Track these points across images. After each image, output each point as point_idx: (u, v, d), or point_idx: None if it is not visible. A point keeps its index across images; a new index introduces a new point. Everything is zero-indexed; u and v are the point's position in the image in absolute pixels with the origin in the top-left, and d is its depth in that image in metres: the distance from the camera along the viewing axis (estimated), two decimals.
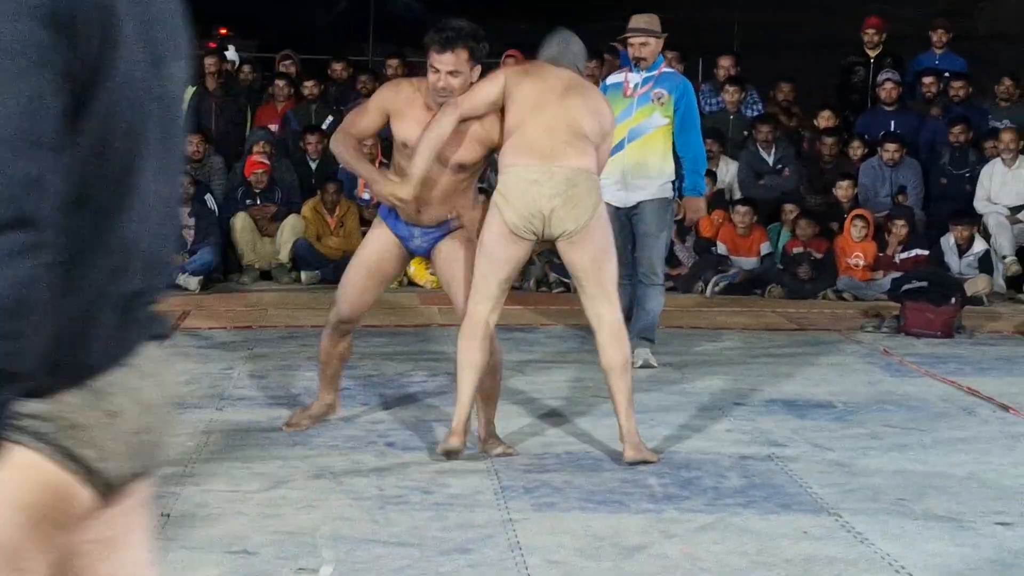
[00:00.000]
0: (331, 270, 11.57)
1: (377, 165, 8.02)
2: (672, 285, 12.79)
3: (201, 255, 12.69)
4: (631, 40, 8.95)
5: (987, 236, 13.20)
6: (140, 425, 2.08)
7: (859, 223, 12.92)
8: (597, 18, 17.75)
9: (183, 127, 2.26)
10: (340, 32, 23.66)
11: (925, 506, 5.73)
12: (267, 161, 13.37)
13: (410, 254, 6.61)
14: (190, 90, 14.47)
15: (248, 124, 14.65)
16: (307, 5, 23.96)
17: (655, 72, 8.92)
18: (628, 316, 8.15)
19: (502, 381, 6.75)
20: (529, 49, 17.27)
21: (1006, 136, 13.39)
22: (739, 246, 13.25)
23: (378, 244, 6.53)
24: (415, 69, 11.82)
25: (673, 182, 8.92)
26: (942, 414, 7.63)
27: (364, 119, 6.45)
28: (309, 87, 14.61)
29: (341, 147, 6.44)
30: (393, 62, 14.65)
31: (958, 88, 14.38)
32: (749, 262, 13.18)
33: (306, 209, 13.41)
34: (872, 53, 15.04)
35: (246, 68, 15.68)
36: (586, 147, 6.42)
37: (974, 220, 13.18)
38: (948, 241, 13.01)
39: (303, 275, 13.20)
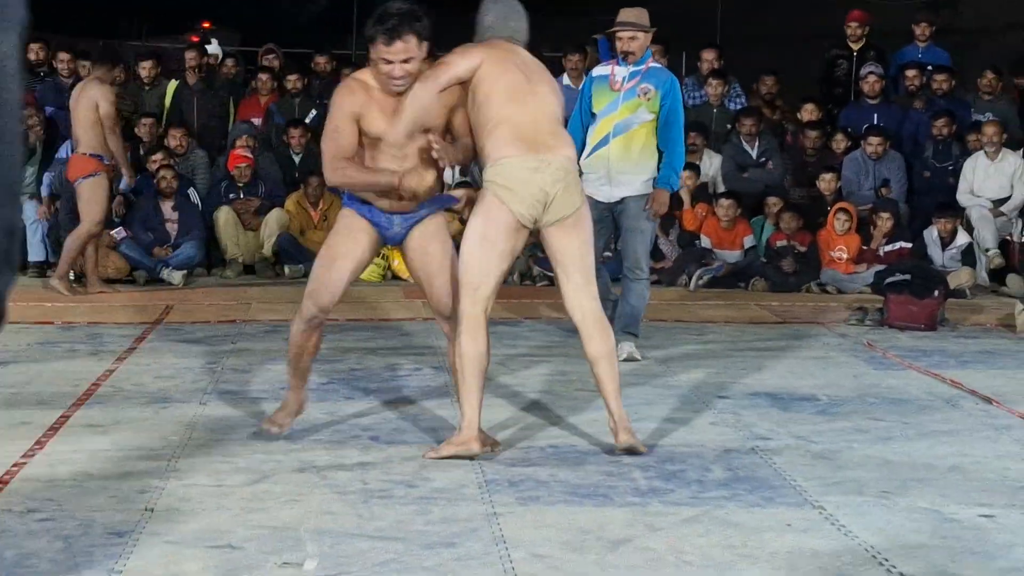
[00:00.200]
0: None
1: None
2: (656, 279, 12.81)
3: (184, 249, 12.68)
4: (619, 34, 8.92)
5: (970, 229, 13.24)
6: None
7: (842, 216, 12.94)
8: (582, 11, 17.78)
9: (13, 101, 2.14)
10: (323, 26, 23.64)
11: (909, 499, 5.74)
12: (250, 155, 13.37)
13: (383, 242, 6.45)
14: (172, 84, 14.48)
15: (231, 118, 14.64)
16: None
17: (642, 67, 8.90)
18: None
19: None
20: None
21: (989, 129, 13.42)
22: (723, 239, 13.27)
23: (352, 233, 6.35)
24: None
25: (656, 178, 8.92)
26: (925, 407, 7.64)
27: (344, 136, 6.20)
28: (292, 81, 14.61)
29: (345, 173, 6.21)
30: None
31: (941, 81, 14.41)
32: (733, 255, 13.20)
33: (289, 203, 13.41)
34: (855, 46, 15.06)
35: (229, 62, 15.66)
36: (565, 134, 6.49)
37: (957, 213, 13.22)
38: (931, 234, 13.04)
39: (287, 269, 13.20)
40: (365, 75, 6.31)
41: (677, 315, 11.00)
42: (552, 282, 10.85)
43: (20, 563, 4.73)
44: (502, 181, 6.17)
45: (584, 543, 5.06)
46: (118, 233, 12.72)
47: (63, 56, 14.33)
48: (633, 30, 8.88)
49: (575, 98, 9.36)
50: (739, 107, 14.54)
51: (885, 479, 6.04)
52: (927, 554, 5.01)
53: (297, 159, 14.01)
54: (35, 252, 13.29)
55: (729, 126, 14.34)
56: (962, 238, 13.00)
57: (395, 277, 12.67)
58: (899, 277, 10.76)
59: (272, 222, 13.27)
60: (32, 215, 13.28)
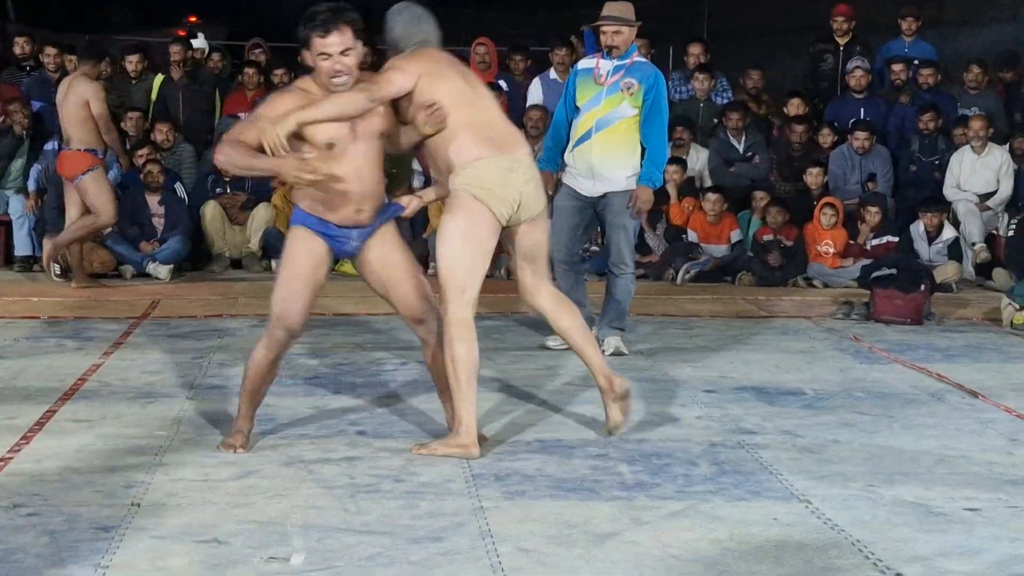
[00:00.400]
0: None
1: None
2: (643, 273, 12.82)
3: (171, 244, 12.66)
4: (604, 28, 8.88)
5: (956, 223, 13.26)
6: None
7: (828, 211, 12.96)
8: (567, 4, 17.78)
9: None
10: None
11: (895, 492, 5.75)
12: None
13: (336, 257, 6.31)
14: (159, 78, 14.46)
15: (217, 112, 14.62)
16: None
17: (627, 61, 8.87)
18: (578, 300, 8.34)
19: None
20: (501, 37, 17.27)
21: (975, 123, 13.43)
22: (709, 234, 13.28)
23: (308, 254, 6.18)
24: (385, 57, 11.81)
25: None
26: (911, 401, 7.66)
27: (252, 130, 6.04)
28: (279, 75, 14.57)
29: (227, 151, 6.02)
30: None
31: (927, 75, 14.42)
32: (719, 250, 13.21)
33: (276, 198, 13.39)
34: (841, 40, 15.06)
35: (215, 56, 15.63)
36: (517, 130, 6.54)
37: (943, 207, 13.23)
38: (917, 228, 13.05)
39: (273, 264, 13.16)
40: (307, 83, 6.22)
41: (663, 309, 11.00)
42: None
43: (6, 558, 4.73)
44: (479, 183, 6.18)
45: (570, 537, 5.07)
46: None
47: (50, 50, 14.29)
48: (617, 24, 8.85)
49: (562, 92, 9.34)
50: (725, 101, 14.55)
51: (871, 473, 6.06)
52: (913, 547, 5.03)
53: None
54: (22, 246, 13.26)
55: (715, 120, 14.34)
56: (948, 232, 13.02)
57: None
58: (885, 271, 10.78)
59: (259, 217, 13.26)
60: (19, 209, 13.25)
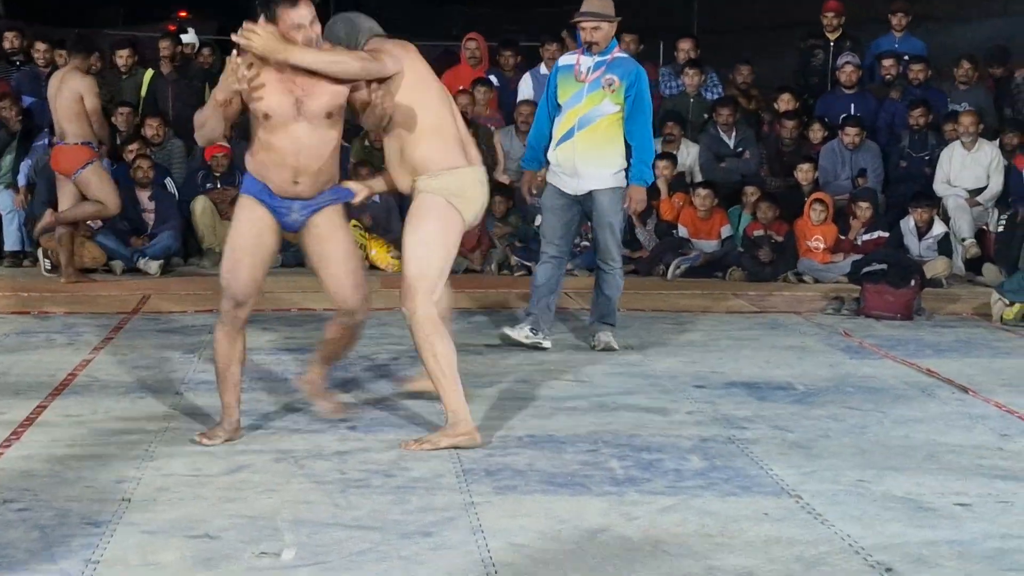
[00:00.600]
0: (291, 254, 11.52)
1: None
2: (633, 268, 12.82)
3: (161, 239, 12.64)
4: (583, 24, 8.79)
5: (946, 219, 13.26)
6: None
7: (818, 207, 12.96)
8: (559, 1, 17.76)
9: None
10: None
11: (885, 487, 5.76)
12: (227, 144, 13.31)
13: (281, 229, 6.35)
14: (148, 73, 14.43)
15: None
16: None
17: (607, 57, 8.79)
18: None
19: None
20: (492, 32, 17.24)
21: (966, 119, 13.44)
22: (700, 229, 13.28)
23: (252, 223, 6.27)
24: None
25: (626, 170, 8.85)
26: (901, 396, 7.67)
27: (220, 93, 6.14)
28: None
29: (197, 124, 6.22)
30: None
31: (917, 71, 14.42)
32: (710, 245, 13.20)
33: None
34: (832, 36, 15.06)
35: (205, 51, 15.60)
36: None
37: (933, 203, 13.23)
38: (908, 224, 13.05)
39: None
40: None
41: (654, 305, 11.01)
42: (530, 271, 10.86)
43: None
44: (456, 189, 6.35)
45: (561, 532, 5.08)
46: (94, 223, 12.68)
47: (40, 45, 14.25)
48: (596, 20, 8.78)
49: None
50: (716, 97, 14.54)
51: (861, 467, 6.07)
52: (903, 543, 5.04)
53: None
54: (11, 241, 13.23)
55: (706, 116, 14.33)
56: (938, 228, 13.02)
57: (372, 267, 12.64)
58: (876, 267, 10.79)
59: None
60: (9, 204, 13.23)
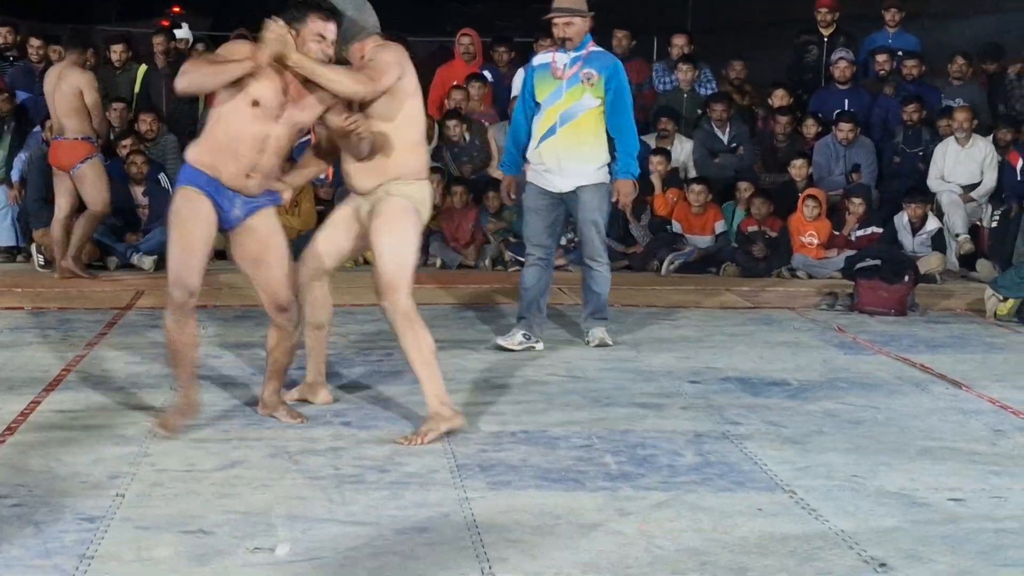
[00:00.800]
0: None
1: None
2: (627, 264, 12.84)
3: (155, 234, 12.62)
4: (555, 20, 8.71)
5: (940, 214, 13.28)
6: None
7: (810, 203, 12.98)
8: None
9: None
10: None
11: (878, 482, 5.77)
12: None
13: (219, 224, 6.42)
14: (142, 68, 14.41)
15: (201, 103, 14.58)
16: None
17: (583, 52, 8.71)
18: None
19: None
20: (486, 28, 17.24)
21: (960, 115, 13.45)
22: (694, 225, 13.29)
23: (200, 216, 6.33)
24: None
25: (610, 165, 8.82)
26: (895, 391, 7.67)
27: (221, 60, 6.23)
28: None
29: (199, 70, 6.23)
30: None
31: (911, 67, 14.44)
32: (704, 241, 13.22)
33: None
34: (825, 32, 15.07)
35: (199, 47, 15.58)
36: None
37: (927, 198, 13.25)
38: (901, 219, 13.07)
39: None
40: (253, 44, 6.32)
41: (648, 300, 11.01)
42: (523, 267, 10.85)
43: None
44: (424, 200, 6.62)
45: (555, 527, 5.08)
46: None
47: (34, 41, 14.25)
48: (568, 15, 8.72)
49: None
50: (709, 92, 14.55)
51: (855, 463, 6.07)
52: (897, 538, 5.04)
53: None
54: (4, 237, 13.23)
55: (700, 111, 14.34)
56: (932, 223, 13.04)
57: (367, 263, 12.63)
58: (869, 262, 10.79)
59: None
60: (2, 200, 13.22)
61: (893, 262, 10.80)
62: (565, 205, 8.83)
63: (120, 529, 4.96)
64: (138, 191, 12.91)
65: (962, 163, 13.47)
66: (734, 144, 13.99)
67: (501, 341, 8.69)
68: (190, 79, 6.20)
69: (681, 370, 8.14)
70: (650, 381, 7.80)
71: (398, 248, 6.44)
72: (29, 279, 11.72)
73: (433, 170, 13.49)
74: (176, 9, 26.30)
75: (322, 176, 12.61)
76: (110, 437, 6.27)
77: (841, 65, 14.33)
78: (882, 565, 4.75)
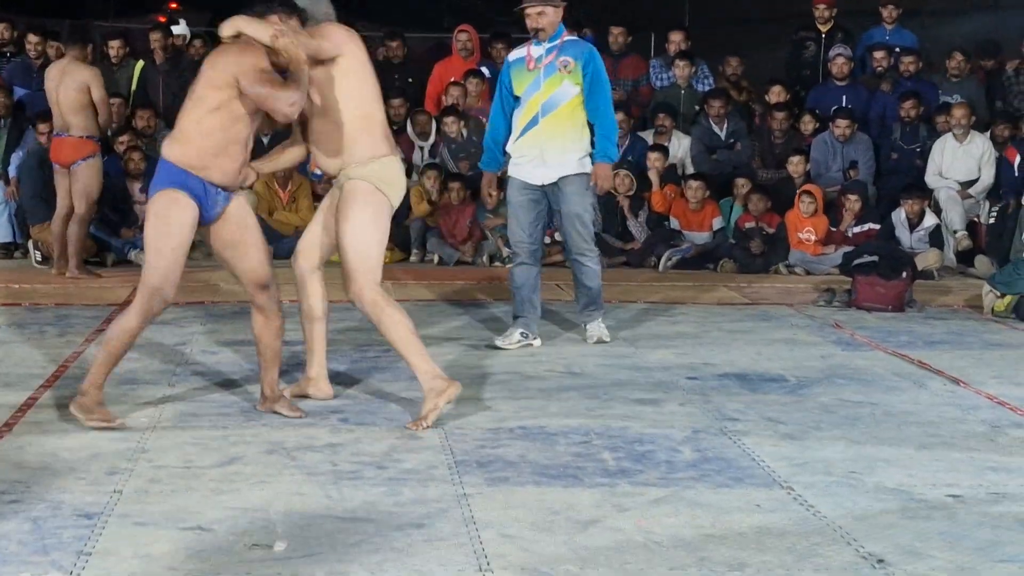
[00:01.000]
0: (283, 245, 11.52)
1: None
2: (625, 260, 12.85)
3: None
4: (527, 11, 8.69)
5: (938, 211, 13.29)
6: None
7: (807, 199, 12.98)
8: None
9: None
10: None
11: (876, 479, 5.77)
12: None
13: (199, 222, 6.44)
14: (139, 64, 14.41)
15: None
16: None
17: (557, 41, 8.69)
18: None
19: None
20: (484, 24, 17.20)
21: (958, 111, 13.46)
22: (691, 221, 13.30)
23: (185, 224, 6.35)
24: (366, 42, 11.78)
25: (591, 154, 8.81)
26: (893, 387, 7.67)
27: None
28: None
29: (296, 90, 6.30)
30: None
31: (909, 63, 14.44)
32: (701, 237, 13.22)
33: (258, 184, 13.33)
34: (823, 28, 15.08)
35: (197, 42, 15.57)
36: None
37: (925, 195, 13.25)
38: (899, 215, 13.07)
39: None
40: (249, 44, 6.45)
41: (646, 296, 11.01)
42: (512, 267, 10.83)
43: None
44: (386, 177, 6.62)
45: (553, 524, 5.08)
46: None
47: (32, 37, 14.23)
48: (540, 5, 8.67)
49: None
50: (707, 88, 14.55)
51: (853, 459, 6.07)
52: (895, 534, 5.04)
53: (266, 140, 13.96)
54: (2, 233, 13.23)
55: (697, 108, 14.35)
56: (930, 220, 13.04)
57: None
58: (867, 259, 10.79)
59: None
60: None
61: (891, 258, 10.80)
62: (548, 200, 8.79)
63: (118, 525, 4.96)
64: (135, 187, 12.91)
65: (960, 159, 13.48)
66: (731, 140, 13.99)
67: (499, 342, 8.67)
68: (301, 95, 6.26)
69: (679, 366, 8.14)
70: (648, 377, 7.80)
71: (356, 236, 6.53)
72: (26, 275, 11.71)
73: (431, 166, 13.57)
74: (173, 5, 26.28)
75: (318, 172, 12.60)
76: (108, 433, 6.27)
77: (839, 61, 14.33)
78: (880, 561, 4.75)
